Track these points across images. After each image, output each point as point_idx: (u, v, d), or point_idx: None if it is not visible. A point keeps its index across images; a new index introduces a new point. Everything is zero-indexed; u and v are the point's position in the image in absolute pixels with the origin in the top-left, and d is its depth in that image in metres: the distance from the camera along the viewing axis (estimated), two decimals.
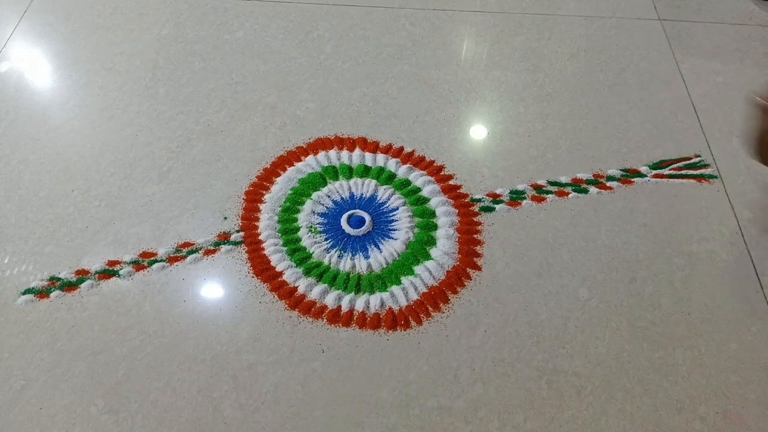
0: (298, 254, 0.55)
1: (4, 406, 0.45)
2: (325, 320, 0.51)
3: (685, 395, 0.47)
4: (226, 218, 0.57)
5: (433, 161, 0.62)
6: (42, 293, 0.52)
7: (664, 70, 0.71)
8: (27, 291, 0.52)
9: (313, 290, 0.52)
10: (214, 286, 0.53)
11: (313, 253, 0.55)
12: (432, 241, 0.56)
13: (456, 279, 0.53)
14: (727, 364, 0.49)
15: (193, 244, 0.55)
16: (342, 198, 0.59)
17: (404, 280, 0.53)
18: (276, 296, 0.52)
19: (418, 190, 0.59)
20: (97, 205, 0.58)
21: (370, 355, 0.49)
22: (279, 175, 0.60)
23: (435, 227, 0.57)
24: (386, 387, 0.47)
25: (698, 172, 0.61)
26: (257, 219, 0.57)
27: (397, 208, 0.58)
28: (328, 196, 0.59)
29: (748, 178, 0.60)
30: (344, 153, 0.62)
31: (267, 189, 0.59)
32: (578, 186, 0.60)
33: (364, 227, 0.56)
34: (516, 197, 0.59)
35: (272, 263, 0.54)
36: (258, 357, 0.48)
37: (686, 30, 0.77)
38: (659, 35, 0.76)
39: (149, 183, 0.60)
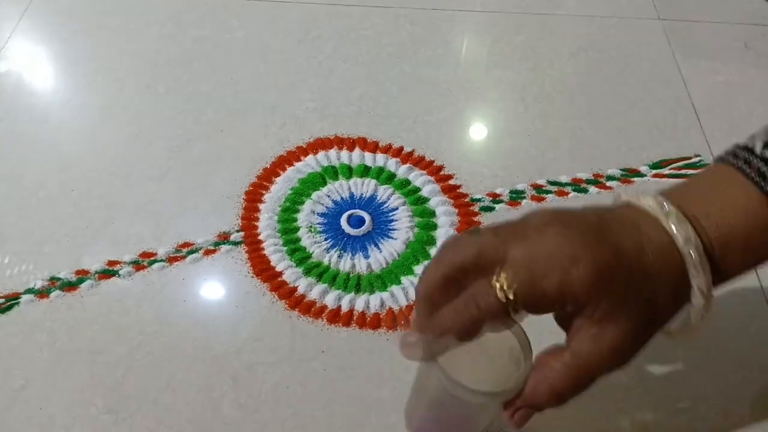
0: (297, 254, 0.55)
1: (4, 406, 0.45)
2: (325, 320, 0.51)
3: (685, 395, 0.47)
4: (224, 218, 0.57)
5: (433, 161, 0.62)
6: (42, 293, 0.52)
7: (664, 70, 0.71)
8: (27, 291, 0.52)
9: (313, 290, 0.52)
10: (214, 286, 0.53)
11: (312, 253, 0.55)
12: (432, 241, 0.56)
13: None
14: (727, 364, 0.49)
15: (193, 244, 0.55)
16: (342, 198, 0.59)
17: (404, 280, 0.53)
18: (276, 296, 0.52)
19: (418, 189, 0.59)
20: (97, 205, 0.58)
21: (370, 355, 0.49)
22: (279, 174, 0.61)
23: (435, 227, 0.57)
24: (386, 387, 0.47)
25: (698, 172, 0.61)
26: (257, 219, 0.57)
27: (397, 208, 0.58)
28: (328, 196, 0.59)
29: None
30: (344, 153, 0.62)
31: (267, 189, 0.59)
32: (578, 186, 0.60)
33: (363, 227, 0.56)
34: (516, 197, 0.59)
35: (272, 263, 0.54)
36: (258, 357, 0.48)
37: (686, 30, 0.77)
38: (659, 35, 0.76)
39: (149, 183, 0.60)
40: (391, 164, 0.61)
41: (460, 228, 0.57)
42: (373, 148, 0.63)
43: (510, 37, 0.75)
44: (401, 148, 0.63)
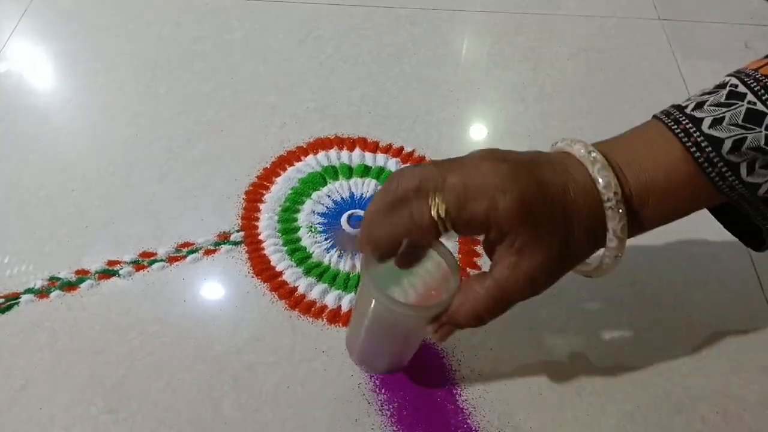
0: (298, 254, 0.55)
1: (4, 406, 0.45)
2: (325, 320, 0.51)
3: (685, 395, 0.47)
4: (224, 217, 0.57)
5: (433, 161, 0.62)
6: (42, 293, 0.52)
7: (664, 70, 0.71)
8: (27, 291, 0.52)
9: (313, 290, 0.52)
10: (214, 286, 0.53)
11: (313, 252, 0.55)
12: None
13: None
14: (727, 364, 0.49)
15: (193, 243, 0.55)
16: (342, 198, 0.59)
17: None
18: (276, 296, 0.52)
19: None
20: (97, 205, 0.58)
21: None
22: (279, 174, 0.61)
23: None
24: (386, 387, 0.47)
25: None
26: (257, 219, 0.57)
27: None
28: (328, 196, 0.59)
29: None
30: (344, 153, 0.62)
31: (267, 189, 0.59)
32: None
33: None
34: None
35: (272, 263, 0.54)
36: (258, 357, 0.48)
37: (686, 30, 0.77)
38: (659, 35, 0.76)
39: (149, 183, 0.60)
40: (392, 164, 0.61)
41: None
42: (374, 148, 0.63)
43: (510, 37, 0.75)
44: (401, 148, 0.63)
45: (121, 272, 0.53)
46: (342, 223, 0.57)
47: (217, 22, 0.75)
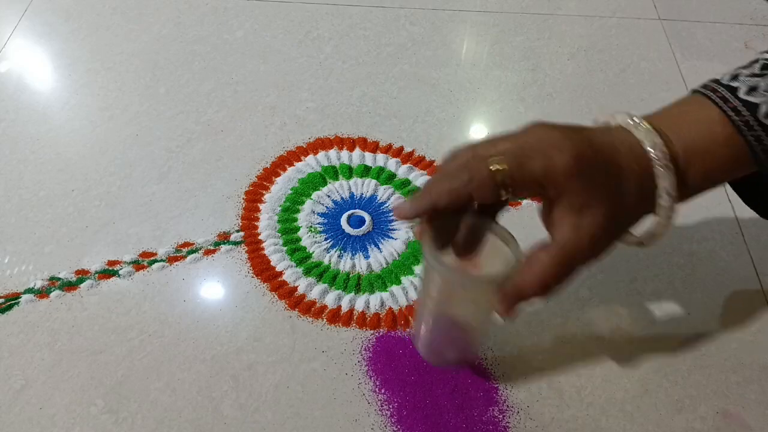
0: (298, 254, 0.55)
1: (4, 406, 0.45)
2: (325, 320, 0.51)
3: (685, 395, 0.47)
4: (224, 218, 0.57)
5: (433, 161, 0.62)
6: (42, 293, 0.52)
7: (664, 70, 0.71)
8: (27, 291, 0.52)
9: (313, 290, 0.52)
10: (214, 286, 0.53)
11: (313, 252, 0.55)
12: None
13: None
14: (727, 364, 0.49)
15: (193, 243, 0.55)
16: (342, 198, 0.59)
17: (404, 279, 0.53)
18: (276, 296, 0.52)
19: (419, 190, 0.59)
20: (97, 204, 0.58)
21: None
22: (279, 174, 0.61)
23: None
24: (386, 387, 0.47)
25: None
26: (257, 219, 0.57)
27: None
28: (328, 196, 0.59)
29: None
30: (344, 153, 0.62)
31: (267, 189, 0.59)
32: None
33: (364, 227, 0.56)
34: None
35: (272, 263, 0.54)
36: (258, 357, 0.48)
37: (686, 30, 0.77)
38: (659, 35, 0.76)
39: (149, 183, 0.60)
40: (392, 164, 0.61)
41: None
42: (374, 148, 0.63)
43: (510, 37, 0.75)
44: (401, 148, 0.63)
45: (121, 272, 0.53)
46: (342, 223, 0.57)
47: (217, 22, 0.75)
